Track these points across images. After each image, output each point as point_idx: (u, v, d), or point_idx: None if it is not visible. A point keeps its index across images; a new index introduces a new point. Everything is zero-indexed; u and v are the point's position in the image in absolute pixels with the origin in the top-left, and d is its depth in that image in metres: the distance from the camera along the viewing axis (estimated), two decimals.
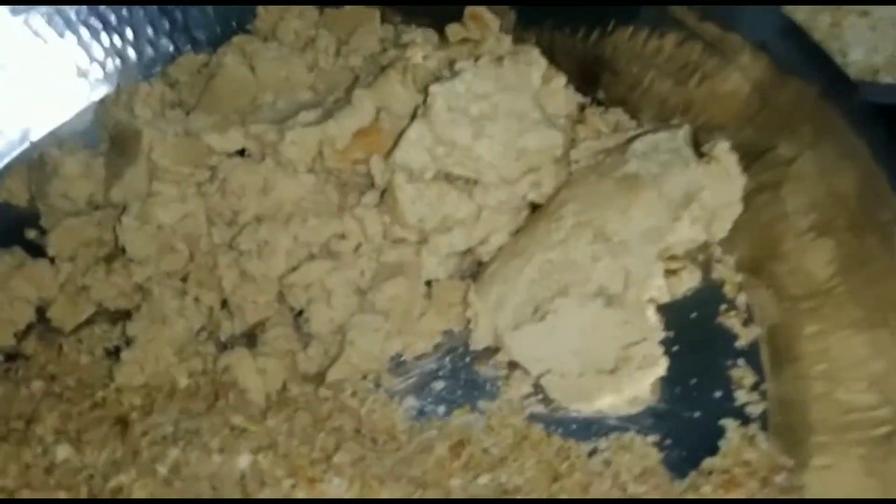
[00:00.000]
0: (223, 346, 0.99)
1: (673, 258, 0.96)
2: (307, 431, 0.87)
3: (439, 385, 0.95)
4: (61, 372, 0.98)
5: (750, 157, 0.96)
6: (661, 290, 0.92)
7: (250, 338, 0.99)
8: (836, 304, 0.87)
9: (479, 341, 0.94)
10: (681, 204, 0.93)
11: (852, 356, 0.84)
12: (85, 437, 0.84)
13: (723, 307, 0.97)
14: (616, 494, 0.81)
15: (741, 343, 0.94)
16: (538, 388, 0.92)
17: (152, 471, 0.77)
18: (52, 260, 1.05)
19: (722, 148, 0.95)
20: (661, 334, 0.89)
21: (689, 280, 0.97)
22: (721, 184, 0.95)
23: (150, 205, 0.98)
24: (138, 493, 0.73)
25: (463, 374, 0.96)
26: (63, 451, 0.81)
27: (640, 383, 0.88)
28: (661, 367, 0.88)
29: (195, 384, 0.96)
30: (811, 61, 0.93)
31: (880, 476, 0.79)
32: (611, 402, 0.88)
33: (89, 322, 1.03)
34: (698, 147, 0.98)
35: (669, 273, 0.94)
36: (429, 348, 0.97)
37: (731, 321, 0.96)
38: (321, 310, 0.95)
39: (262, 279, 0.97)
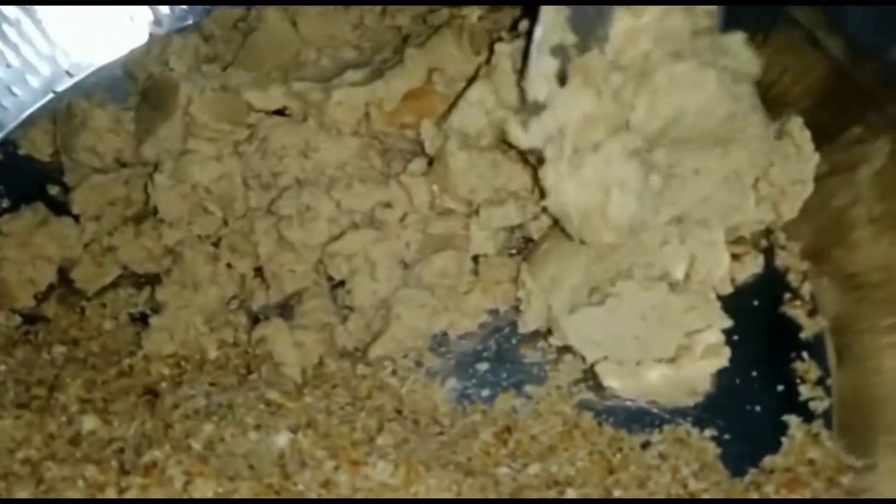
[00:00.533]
0: (255, 317, 0.94)
1: (737, 242, 0.91)
2: (346, 410, 0.83)
3: (483, 367, 0.90)
4: (84, 337, 0.94)
5: (823, 137, 0.91)
6: (725, 278, 0.86)
7: (285, 309, 0.94)
8: None
9: (530, 323, 0.89)
10: (749, 180, 0.87)
11: None
12: (112, 408, 0.79)
13: (787, 296, 0.91)
14: (676, 491, 0.76)
15: (805, 335, 0.89)
16: (588, 374, 0.87)
17: (186, 446, 0.72)
18: (76, 218, 1.00)
19: (795, 123, 0.89)
20: (727, 323, 0.83)
21: (752, 266, 0.91)
22: (792, 161, 0.89)
23: (185, 163, 0.93)
24: (173, 470, 0.68)
25: (509, 356, 0.91)
26: (90, 422, 0.76)
27: (701, 374, 0.83)
28: (723, 358, 0.83)
29: (225, 356, 0.91)
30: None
31: None
32: (668, 392, 0.83)
33: (114, 285, 0.98)
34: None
35: (733, 258, 0.89)
36: (473, 327, 0.92)
37: (796, 311, 0.90)
38: (364, 282, 0.89)
39: (302, 247, 0.91)
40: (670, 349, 0.83)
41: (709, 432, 0.84)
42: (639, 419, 0.85)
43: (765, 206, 0.91)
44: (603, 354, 0.84)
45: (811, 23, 0.92)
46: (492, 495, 0.74)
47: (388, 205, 0.92)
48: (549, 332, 0.89)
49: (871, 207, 0.87)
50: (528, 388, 0.88)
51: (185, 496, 0.67)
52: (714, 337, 0.83)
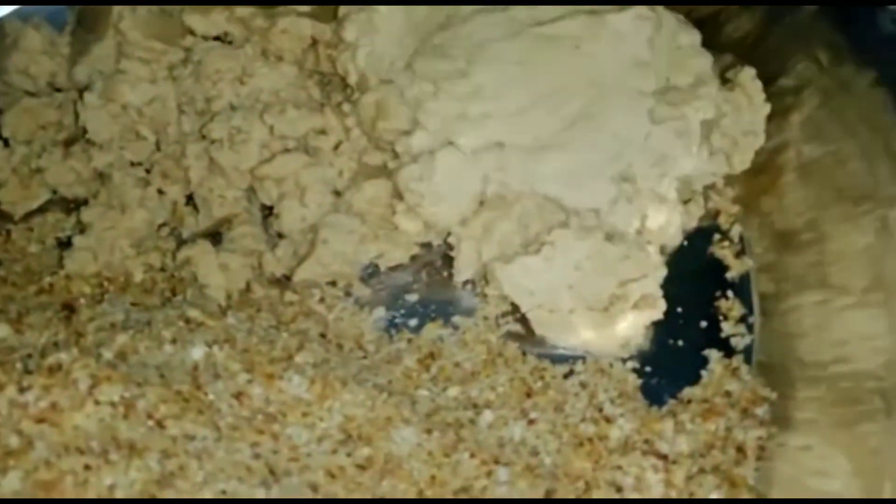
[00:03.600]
0: (185, 243, 0.93)
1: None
2: (269, 332, 0.82)
3: (413, 298, 0.90)
4: (8, 258, 0.92)
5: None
6: (676, 233, 0.87)
7: (215, 236, 0.93)
8: (833, 236, 0.83)
9: (462, 272, 0.88)
10: (701, 132, 0.88)
11: (850, 290, 0.80)
12: (27, 320, 0.78)
13: (716, 237, 0.92)
14: (591, 414, 0.76)
15: (732, 275, 0.90)
16: (517, 306, 0.87)
17: (97, 354, 0.71)
18: (5, 141, 0.98)
19: (747, 74, 0.90)
20: (662, 272, 0.84)
21: (697, 212, 0.91)
22: (744, 112, 0.90)
23: (117, 82, 0.91)
24: (77, 373, 0.67)
25: (439, 288, 0.91)
26: (1, 331, 0.75)
27: (634, 325, 0.83)
28: (658, 310, 0.83)
29: (151, 279, 0.90)
30: None
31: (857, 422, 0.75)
32: (601, 343, 0.83)
33: (42, 210, 0.97)
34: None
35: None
36: (405, 259, 0.91)
37: (724, 252, 0.91)
38: (293, 206, 0.88)
39: (232, 171, 0.90)
40: (604, 298, 0.83)
41: (631, 364, 0.84)
42: (563, 351, 0.85)
43: (717, 158, 0.91)
44: (537, 303, 0.83)
45: None
46: (406, 413, 0.73)
47: (322, 132, 0.91)
48: (484, 279, 0.88)
49: (799, 151, 0.88)
50: (456, 319, 0.88)
51: (90, 400, 0.66)
52: (649, 287, 0.83)
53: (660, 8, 0.93)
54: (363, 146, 0.92)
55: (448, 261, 0.91)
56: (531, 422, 0.75)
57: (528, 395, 0.79)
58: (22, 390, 0.65)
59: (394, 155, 0.89)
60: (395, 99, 0.87)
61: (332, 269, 0.87)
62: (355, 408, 0.73)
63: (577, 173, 0.86)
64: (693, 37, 0.93)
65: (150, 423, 0.66)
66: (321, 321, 0.86)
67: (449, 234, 0.89)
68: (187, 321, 0.80)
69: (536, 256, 0.83)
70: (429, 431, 0.71)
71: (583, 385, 0.81)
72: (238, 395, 0.71)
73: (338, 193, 0.91)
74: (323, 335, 0.84)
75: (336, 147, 0.92)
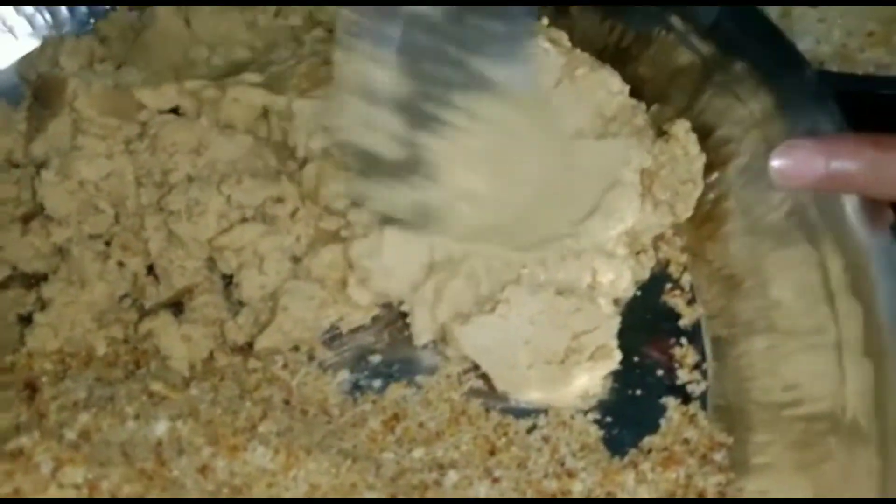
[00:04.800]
0: (147, 314, 0.93)
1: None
2: (233, 401, 0.82)
3: (376, 359, 0.91)
4: None
5: (698, 136, 0.96)
6: (628, 287, 0.90)
7: (177, 306, 0.93)
8: (777, 278, 0.86)
9: (420, 336, 0.89)
10: (641, 185, 0.91)
11: (795, 333, 0.83)
12: None
13: (668, 286, 0.95)
14: (553, 469, 0.78)
15: (685, 322, 0.93)
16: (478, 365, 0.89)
17: (59, 435, 0.71)
18: None
19: (681, 127, 0.94)
20: (617, 324, 0.86)
21: (649, 263, 0.95)
22: (680, 163, 0.94)
23: (73, 159, 0.92)
24: (41, 456, 0.67)
25: (401, 347, 0.92)
26: None
27: (591, 376, 0.85)
28: (613, 361, 0.85)
29: (114, 353, 0.90)
30: (760, 39, 0.93)
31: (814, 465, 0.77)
32: (561, 397, 0.85)
33: (2, 286, 0.96)
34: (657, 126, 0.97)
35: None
36: (366, 321, 0.92)
37: (676, 300, 0.94)
38: (252, 275, 0.90)
39: (192, 242, 0.91)
40: (559, 352, 0.85)
41: (592, 416, 0.86)
42: (526, 405, 0.87)
43: (662, 210, 0.94)
44: (496, 361, 0.85)
45: (683, 26, 0.97)
46: (370, 479, 0.74)
47: (279, 199, 0.93)
48: (443, 339, 0.90)
49: (739, 198, 0.92)
50: (420, 378, 0.89)
51: (54, 483, 0.66)
52: (603, 338, 0.85)
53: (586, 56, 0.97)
54: (319, 212, 0.94)
55: (406, 320, 0.93)
56: (495, 480, 0.76)
57: (492, 452, 0.80)
58: None
59: (347, 223, 0.91)
60: (334, 168, 0.89)
61: (294, 335, 0.88)
62: (320, 476, 0.73)
63: (526, 231, 0.89)
64: (625, 88, 0.98)
65: None
66: (285, 387, 0.87)
67: (401, 302, 0.91)
68: (150, 395, 0.80)
69: (492, 315, 0.85)
70: (394, 496, 0.72)
71: (545, 439, 0.83)
72: (202, 469, 0.72)
73: (296, 259, 0.92)
74: (287, 401, 0.85)
75: (293, 214, 0.93)
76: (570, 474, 0.77)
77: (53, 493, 0.66)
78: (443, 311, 0.88)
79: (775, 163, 0.74)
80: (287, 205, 0.93)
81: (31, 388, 0.81)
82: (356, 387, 0.89)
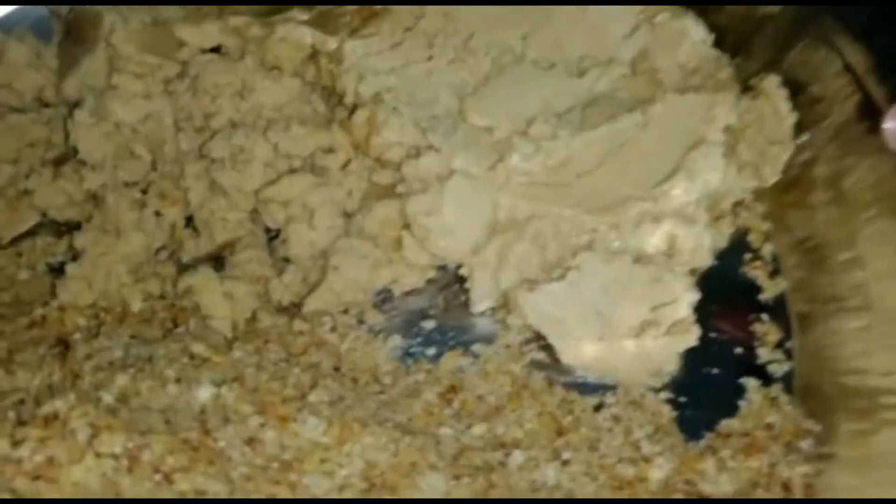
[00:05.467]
0: (185, 269, 0.87)
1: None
2: (279, 366, 0.76)
3: (429, 325, 0.84)
4: None
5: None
6: (706, 255, 0.82)
7: (217, 261, 0.87)
8: (874, 253, 0.78)
9: (479, 303, 0.83)
10: (725, 143, 0.83)
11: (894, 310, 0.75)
12: (18, 358, 0.72)
13: (747, 257, 0.87)
14: (629, 453, 0.71)
15: (766, 296, 0.85)
16: (540, 333, 0.82)
17: (95, 398, 0.65)
18: None
19: (772, 82, 0.85)
20: (695, 296, 0.79)
21: (728, 230, 0.86)
22: (769, 122, 0.85)
23: (108, 99, 0.85)
24: (76, 422, 0.61)
25: (457, 314, 0.85)
26: None
27: (667, 352, 0.78)
28: (692, 335, 0.78)
29: (150, 309, 0.84)
30: None
31: None
32: (632, 372, 0.78)
33: (31, 233, 0.91)
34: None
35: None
36: (420, 283, 0.86)
37: (756, 272, 0.86)
38: (301, 231, 0.83)
39: (235, 193, 0.85)
40: (634, 325, 0.78)
41: (664, 395, 0.79)
42: (592, 381, 0.81)
43: (746, 173, 0.86)
44: (563, 332, 0.78)
45: None
46: (431, 457, 0.68)
47: (329, 150, 0.86)
48: (505, 307, 0.83)
49: (829, 163, 0.84)
50: (476, 348, 0.83)
51: (91, 451, 0.61)
52: (681, 312, 0.78)
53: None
54: (371, 164, 0.87)
55: (464, 284, 0.86)
56: (565, 463, 0.70)
57: (560, 432, 0.74)
58: (15, 444, 0.60)
59: (401, 178, 0.84)
60: (387, 114, 0.82)
61: (345, 297, 0.82)
62: (377, 452, 0.67)
63: (598, 192, 0.82)
64: (709, 37, 0.89)
65: (157, 476, 0.61)
66: (334, 352, 0.80)
67: (461, 265, 0.84)
68: (191, 357, 0.74)
69: (561, 282, 0.78)
70: (457, 477, 0.66)
71: (615, 419, 0.76)
72: (250, 441, 0.66)
73: (348, 215, 0.86)
74: (336, 368, 0.79)
75: (344, 165, 0.86)
76: (647, 459, 0.71)
77: (90, 463, 0.60)
78: (506, 275, 0.81)
79: (890, 124, 0.67)
80: (338, 155, 0.86)
81: (64, 345, 0.75)
82: (408, 354, 0.83)
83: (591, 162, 0.81)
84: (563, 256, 0.79)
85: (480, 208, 0.81)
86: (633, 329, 0.78)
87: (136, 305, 0.83)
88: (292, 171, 0.85)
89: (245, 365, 0.75)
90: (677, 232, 0.81)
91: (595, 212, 0.80)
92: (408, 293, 0.86)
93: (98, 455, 0.61)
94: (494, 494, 0.66)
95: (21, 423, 0.61)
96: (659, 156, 0.83)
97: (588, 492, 0.68)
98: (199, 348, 0.75)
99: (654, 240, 0.80)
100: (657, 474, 0.70)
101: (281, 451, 0.66)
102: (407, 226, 0.83)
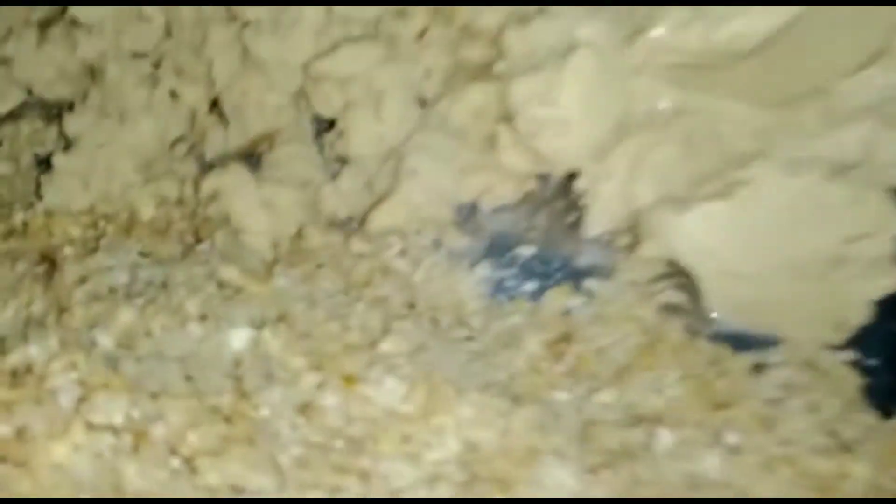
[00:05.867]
0: (210, 168, 0.67)
1: None
2: (337, 300, 0.57)
3: (527, 251, 0.65)
4: None
5: None
6: None
7: (251, 158, 0.68)
8: None
9: (597, 224, 0.63)
10: None
11: None
12: None
13: None
14: (823, 440, 0.52)
15: None
16: (674, 266, 0.62)
17: (88, 342, 0.47)
18: None
19: None
20: None
21: None
22: None
23: None
24: (59, 378, 0.43)
25: (562, 238, 0.65)
26: None
27: (857, 299, 0.58)
28: (892, 280, 0.58)
29: (165, 217, 0.65)
30: None
31: None
32: (807, 324, 0.58)
33: (13, 116, 0.72)
34: None
35: None
36: (516, 196, 0.66)
37: None
38: (365, 121, 0.62)
39: (276, 68, 0.64)
40: (819, 261, 0.57)
41: (846, 355, 0.60)
42: (744, 330, 0.61)
43: None
44: (718, 267, 0.58)
45: None
46: (555, 437, 0.49)
47: (401, 13, 0.64)
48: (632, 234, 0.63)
49: None
50: (590, 283, 0.63)
51: (79, 421, 0.42)
52: (883, 247, 0.57)
53: None
54: (458, 34, 0.65)
55: (573, 200, 0.65)
56: (733, 450, 0.51)
57: (717, 404, 0.55)
58: None
59: (500, 52, 0.62)
60: None
61: (423, 211, 0.62)
62: (479, 428, 0.48)
63: (776, 79, 0.60)
64: None
65: (175, 462, 0.42)
66: (406, 283, 0.61)
67: (575, 173, 0.63)
68: (220, 284, 0.55)
69: (725, 201, 0.58)
70: (593, 470, 0.48)
71: (788, 387, 0.57)
72: (305, 409, 0.47)
73: (423, 102, 0.65)
74: (411, 305, 0.59)
75: (421, 35, 0.65)
76: (847, 448, 0.52)
77: (78, 438, 0.41)
78: (641, 189, 0.60)
79: None
80: (413, 20, 0.64)
81: (49, 263, 0.56)
82: (500, 288, 0.64)
83: (766, 37, 0.59)
84: (724, 166, 0.59)
85: (610, 96, 0.60)
86: (817, 266, 0.58)
87: (147, 213, 0.64)
88: (352, 39, 0.63)
89: (291, 298, 0.56)
90: (878, 137, 0.59)
91: (770, 106, 0.59)
92: (498, 209, 0.66)
93: (90, 427, 0.42)
94: (641, 493, 0.48)
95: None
96: (858, 32, 0.61)
97: (769, 491, 0.49)
98: (230, 273, 0.56)
99: (852, 146, 0.58)
100: (862, 470, 0.51)
101: (347, 424, 0.47)
102: (505, 118, 0.62)
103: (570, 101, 0.59)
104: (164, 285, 0.54)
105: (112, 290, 0.53)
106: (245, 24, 0.65)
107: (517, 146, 0.62)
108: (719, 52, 0.60)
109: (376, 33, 0.64)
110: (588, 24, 0.59)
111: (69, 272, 0.54)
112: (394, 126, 0.62)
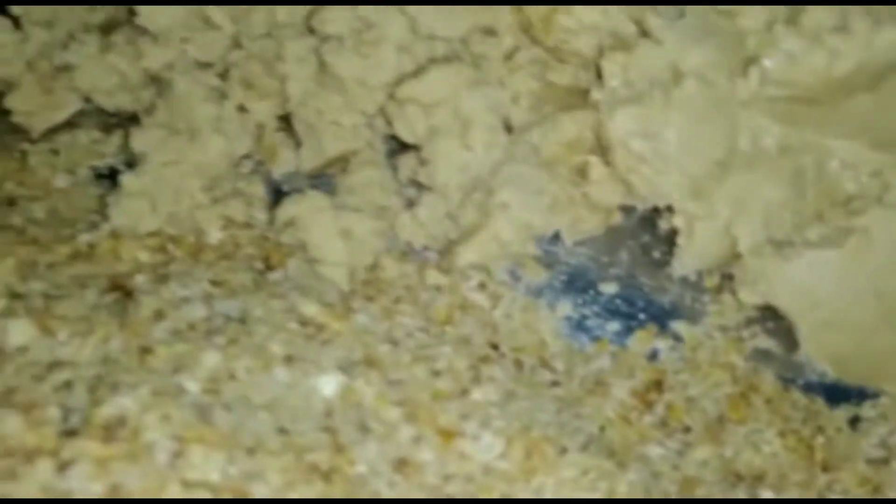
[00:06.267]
0: (278, 188, 0.64)
1: None
2: (418, 339, 0.54)
3: (611, 288, 0.62)
4: (25, 196, 0.65)
5: None
6: None
7: (321, 180, 0.64)
8: None
9: (689, 263, 0.60)
10: None
11: None
12: (59, 309, 0.50)
13: None
14: None
15: None
16: (766, 310, 0.60)
17: (176, 388, 0.44)
18: (15, 21, 0.68)
19: None
20: None
21: None
22: None
23: None
24: (154, 432, 0.40)
25: (649, 275, 0.63)
26: (20, 331, 0.47)
27: None
28: None
29: (232, 241, 0.62)
30: None
31: None
32: None
33: (71, 125, 0.68)
34: None
35: None
36: (600, 230, 0.63)
37: None
38: (451, 148, 0.59)
39: (356, 86, 0.61)
40: None
41: None
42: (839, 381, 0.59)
43: None
44: (824, 317, 0.55)
45: None
46: (656, 495, 0.47)
47: (489, 31, 0.61)
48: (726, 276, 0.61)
49: None
50: (678, 326, 0.60)
51: (175, 478, 0.40)
52: None
53: None
54: (548, 56, 0.62)
55: (659, 235, 0.63)
56: None
57: (819, 463, 0.52)
58: (63, 465, 0.38)
59: (598, 77, 0.59)
60: None
61: (512, 248, 0.59)
62: (582, 491, 0.46)
63: (889, 117, 0.57)
64: None
65: None
66: (486, 321, 0.58)
67: (670, 208, 0.60)
68: (302, 322, 0.52)
69: (835, 249, 0.55)
70: None
71: (887, 446, 0.54)
72: (401, 465, 0.45)
73: (511, 129, 0.62)
74: (494, 346, 0.57)
75: (510, 56, 0.62)
76: None
77: (175, 496, 0.39)
78: (743, 230, 0.57)
79: None
80: (502, 39, 0.61)
81: (121, 292, 0.53)
82: (582, 327, 0.61)
83: (881, 72, 0.56)
84: (832, 209, 0.56)
85: (715, 131, 0.57)
86: None
87: (215, 235, 0.61)
88: (437, 61, 0.60)
89: (374, 337, 0.53)
90: None
91: (883, 145, 0.56)
92: (580, 243, 0.63)
93: (186, 485, 0.40)
94: None
95: (70, 431, 0.39)
96: None
97: None
98: (310, 309, 0.53)
99: None
100: None
101: (444, 482, 0.45)
102: (599, 150, 0.59)
103: (674, 135, 0.56)
104: (243, 321, 0.51)
105: (191, 327, 0.50)
106: (324, 38, 0.61)
107: (610, 179, 0.59)
108: (832, 87, 0.57)
109: (462, 54, 0.61)
110: (695, 52, 0.56)
111: (144, 304, 0.51)
112: (481, 155, 0.59)
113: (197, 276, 0.57)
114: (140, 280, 0.54)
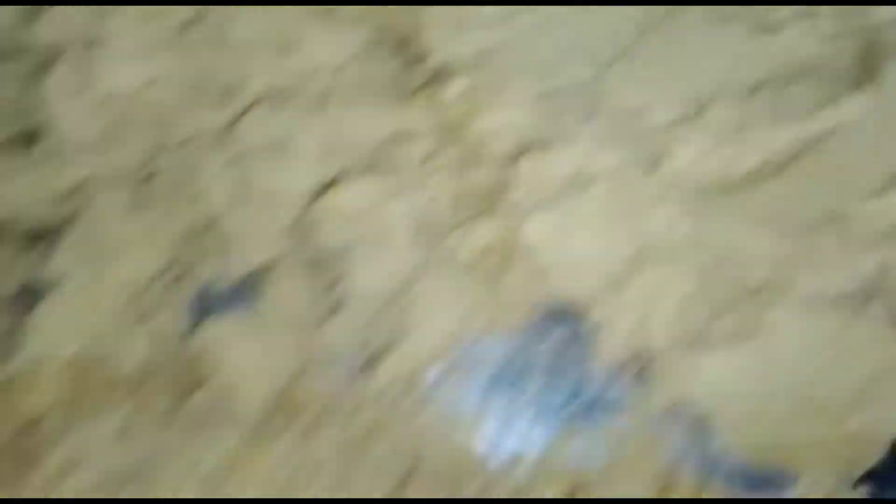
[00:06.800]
0: (198, 305, 0.62)
1: None
2: (341, 466, 0.53)
3: (534, 385, 0.61)
4: None
5: None
6: None
7: (241, 292, 0.63)
8: None
9: (607, 355, 0.59)
10: None
11: None
12: None
13: None
14: None
15: None
16: (686, 405, 0.59)
17: None
18: None
19: None
20: None
21: None
22: None
23: (96, 57, 0.60)
24: None
25: (571, 368, 0.62)
26: None
27: (879, 433, 0.55)
28: None
29: (154, 364, 0.59)
30: None
31: None
32: (820, 459, 0.56)
33: None
34: None
35: None
36: (518, 325, 0.62)
37: None
38: (371, 257, 0.59)
39: (275, 196, 0.60)
40: (840, 402, 0.55)
41: (865, 489, 0.57)
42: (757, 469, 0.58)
43: None
44: (737, 410, 0.55)
45: None
46: None
47: (407, 135, 0.61)
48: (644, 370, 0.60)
49: None
50: (599, 420, 0.59)
51: None
52: None
53: None
54: (464, 158, 0.61)
55: (578, 330, 0.62)
56: None
57: None
58: None
59: (511, 178, 0.59)
60: (494, 85, 0.57)
61: (435, 355, 0.58)
62: None
63: (799, 208, 0.57)
64: None
65: None
66: (408, 433, 0.57)
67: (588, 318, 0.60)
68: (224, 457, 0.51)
69: (744, 345, 0.55)
70: None
71: None
72: None
73: (431, 230, 0.61)
74: (415, 463, 0.56)
75: (426, 160, 0.61)
76: None
77: None
78: (657, 325, 0.57)
79: None
80: (419, 143, 0.61)
81: (26, 437, 0.51)
82: (507, 427, 0.59)
83: (789, 162, 0.56)
84: (742, 299, 0.56)
85: (628, 228, 0.57)
86: (838, 407, 0.55)
87: (131, 363, 0.59)
88: (358, 166, 0.60)
89: (295, 466, 0.52)
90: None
91: (788, 233, 0.56)
92: (500, 340, 0.62)
93: None
94: None
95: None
96: (876, 155, 0.58)
97: None
98: (231, 442, 0.51)
99: (868, 274, 0.55)
100: None
101: None
102: (516, 253, 0.58)
103: (587, 237, 0.56)
104: (157, 465, 0.50)
105: (108, 476, 0.48)
106: (243, 149, 0.61)
107: (526, 282, 0.59)
108: (740, 177, 0.56)
109: (380, 160, 0.61)
110: (606, 153, 0.56)
111: (52, 455, 0.48)
112: (400, 262, 0.59)
113: (109, 420, 0.54)
114: (48, 424, 0.52)
